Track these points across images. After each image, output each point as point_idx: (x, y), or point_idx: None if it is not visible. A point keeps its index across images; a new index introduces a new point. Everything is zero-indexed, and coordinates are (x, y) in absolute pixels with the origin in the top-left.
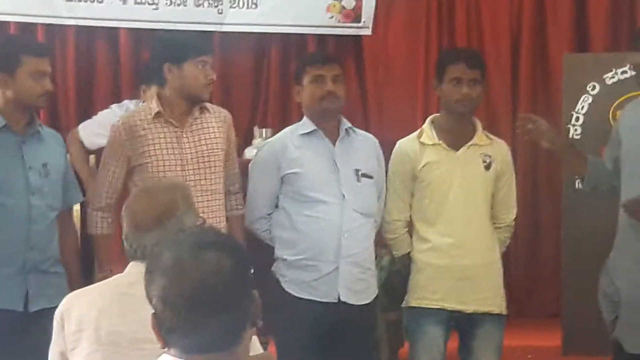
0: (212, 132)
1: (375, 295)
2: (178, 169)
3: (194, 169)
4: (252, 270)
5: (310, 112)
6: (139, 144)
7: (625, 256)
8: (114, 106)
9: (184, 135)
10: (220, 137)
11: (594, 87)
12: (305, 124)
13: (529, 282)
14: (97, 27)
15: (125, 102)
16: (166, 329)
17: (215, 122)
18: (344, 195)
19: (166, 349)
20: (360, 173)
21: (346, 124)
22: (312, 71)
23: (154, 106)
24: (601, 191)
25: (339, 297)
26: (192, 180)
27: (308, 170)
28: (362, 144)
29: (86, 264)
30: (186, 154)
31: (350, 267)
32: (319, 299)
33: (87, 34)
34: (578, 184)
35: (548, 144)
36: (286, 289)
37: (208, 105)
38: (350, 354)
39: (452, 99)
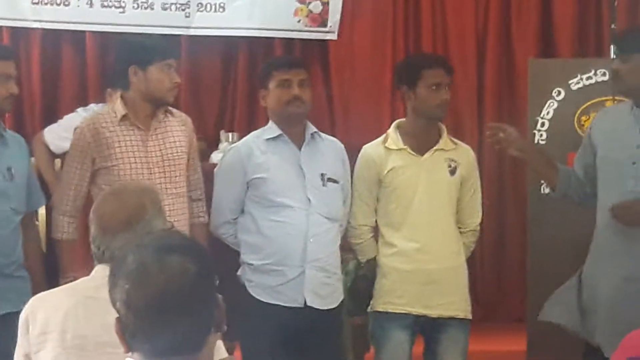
0: (176, 136)
1: (341, 300)
2: (144, 172)
3: (159, 172)
4: (217, 275)
5: (276, 116)
6: (105, 146)
7: (605, 261)
8: (79, 110)
9: (150, 139)
10: (184, 141)
11: (559, 93)
12: (271, 129)
13: (495, 287)
14: (63, 30)
15: (91, 105)
16: (129, 333)
17: (178, 125)
18: (309, 200)
19: (129, 354)
20: (326, 178)
21: (312, 128)
22: (278, 75)
23: (120, 109)
24: (571, 199)
25: (305, 302)
26: (158, 183)
27: (274, 175)
28: (328, 149)
29: (51, 269)
30: (152, 157)
31: (316, 272)
32: (284, 304)
33: (53, 37)
34: (543, 189)
35: (517, 152)
36: (252, 294)
37: (170, 108)
38: (316, 359)
39: (431, 104)
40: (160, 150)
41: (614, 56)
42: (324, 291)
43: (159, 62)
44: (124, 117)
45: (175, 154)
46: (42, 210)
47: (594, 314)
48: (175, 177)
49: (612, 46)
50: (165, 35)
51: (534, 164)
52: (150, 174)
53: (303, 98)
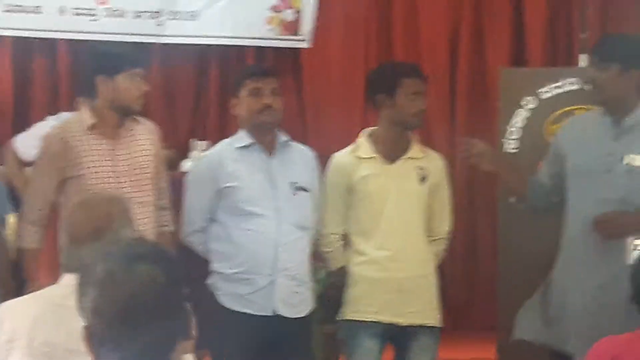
0: (143, 145)
1: (310, 308)
2: (112, 181)
3: (127, 182)
4: (187, 284)
5: (248, 125)
6: (73, 155)
7: (578, 269)
8: (50, 118)
9: (117, 148)
10: (151, 150)
11: (529, 102)
12: (242, 137)
13: (465, 295)
14: (34, 38)
15: (62, 114)
16: (98, 341)
17: (145, 134)
18: (280, 209)
19: None
20: (296, 186)
21: (283, 137)
22: (250, 84)
23: (87, 118)
24: (536, 207)
25: (274, 311)
26: (126, 192)
27: (244, 183)
28: (299, 157)
29: (20, 278)
30: (120, 166)
31: (287, 281)
32: (255, 312)
33: (24, 45)
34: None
35: (489, 165)
36: (222, 303)
37: (137, 117)
38: None
39: (409, 113)
40: (128, 159)
41: (589, 64)
42: (294, 300)
43: (127, 70)
44: (92, 126)
45: (143, 163)
46: (12, 219)
47: (563, 322)
48: (143, 185)
49: (580, 55)
50: (137, 43)
51: (504, 175)
52: (119, 182)
53: (274, 106)
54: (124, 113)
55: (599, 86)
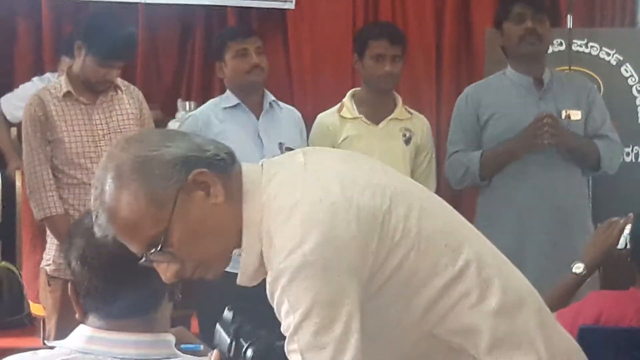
0: (123, 108)
1: None
2: (90, 144)
3: (106, 145)
4: None
5: (235, 85)
6: (52, 118)
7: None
8: (35, 79)
9: (95, 112)
10: (133, 113)
11: None
12: (229, 98)
13: None
14: None
15: (47, 74)
16: (84, 291)
17: (126, 98)
18: None
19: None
20: (284, 147)
21: (270, 97)
22: (234, 46)
23: (63, 85)
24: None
25: None
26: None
27: (232, 144)
28: (286, 117)
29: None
30: (97, 130)
31: None
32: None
33: (8, 5)
34: None
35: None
36: None
37: (119, 81)
38: (275, 326)
39: (374, 75)
40: (107, 123)
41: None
42: None
43: (101, 59)
44: (67, 93)
45: (123, 127)
46: None
47: None
48: None
49: (569, 16)
50: (121, 3)
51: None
52: (96, 146)
53: (262, 65)
54: (91, 88)
55: (544, 39)
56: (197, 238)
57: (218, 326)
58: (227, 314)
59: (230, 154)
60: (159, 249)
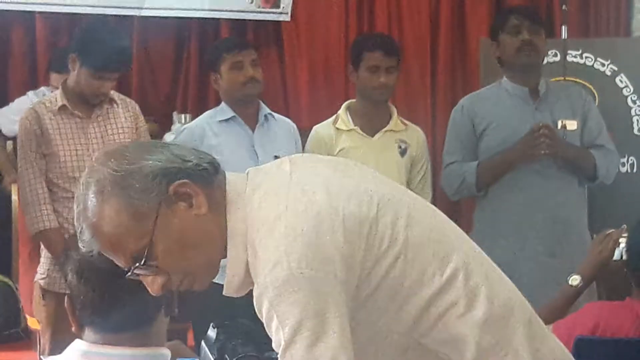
0: (119, 122)
1: None
2: (86, 158)
3: None
4: None
5: (231, 98)
6: (47, 132)
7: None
8: (30, 93)
9: (90, 126)
10: (128, 127)
11: None
12: (224, 110)
13: None
14: (12, 10)
15: (42, 88)
16: (80, 305)
17: (122, 111)
18: None
19: (80, 335)
20: None
21: (265, 109)
22: (230, 58)
23: (59, 99)
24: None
25: None
26: None
27: (227, 157)
28: (281, 130)
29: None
30: (93, 144)
31: None
32: None
33: (2, 18)
34: None
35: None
36: None
37: (115, 95)
38: (267, 339)
39: (368, 87)
40: (102, 136)
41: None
42: None
43: (95, 71)
44: (62, 107)
45: (118, 140)
46: None
47: None
48: None
49: (563, 27)
50: (117, 16)
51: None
52: (92, 160)
53: (257, 78)
54: (86, 101)
55: (540, 50)
56: (181, 250)
57: (203, 344)
58: (211, 332)
59: (213, 164)
60: (142, 262)
